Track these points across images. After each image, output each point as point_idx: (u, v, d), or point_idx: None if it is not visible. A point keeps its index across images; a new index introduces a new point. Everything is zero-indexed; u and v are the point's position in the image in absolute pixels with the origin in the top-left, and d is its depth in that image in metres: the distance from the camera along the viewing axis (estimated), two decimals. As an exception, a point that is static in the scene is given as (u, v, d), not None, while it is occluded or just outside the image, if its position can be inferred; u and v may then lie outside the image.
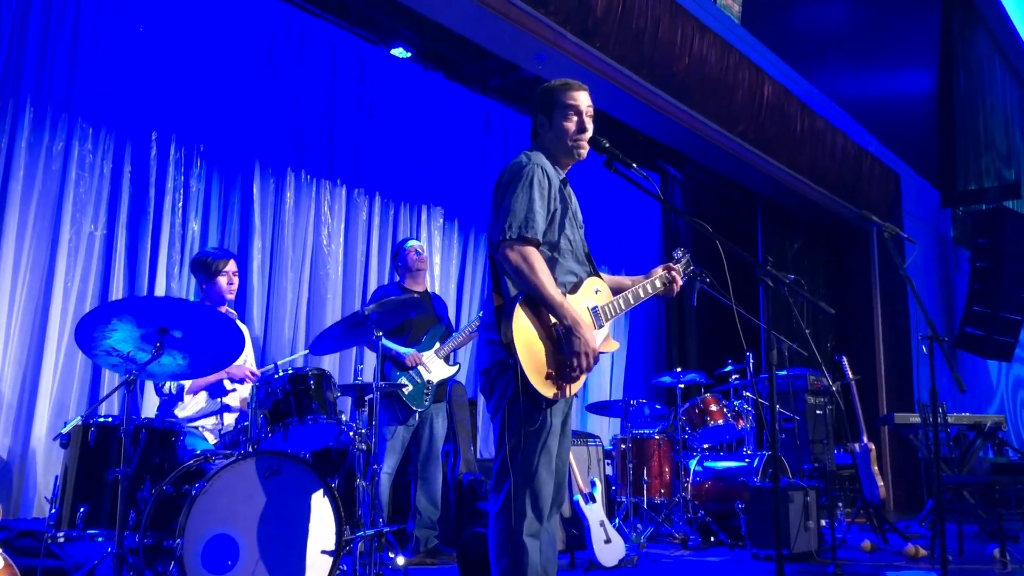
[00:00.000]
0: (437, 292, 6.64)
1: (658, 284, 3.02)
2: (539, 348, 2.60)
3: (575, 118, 2.82)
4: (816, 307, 2.76)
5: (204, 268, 4.22)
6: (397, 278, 5.19)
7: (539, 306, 2.62)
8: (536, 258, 2.61)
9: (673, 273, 3.06)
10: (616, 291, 2.93)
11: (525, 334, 2.58)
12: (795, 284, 2.95)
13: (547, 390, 2.58)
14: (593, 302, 2.79)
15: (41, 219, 4.72)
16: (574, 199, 2.89)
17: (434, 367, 4.95)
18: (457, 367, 5.12)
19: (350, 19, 6.41)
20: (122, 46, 5.12)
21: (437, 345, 5.02)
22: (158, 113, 5.32)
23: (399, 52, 6.76)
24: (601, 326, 2.80)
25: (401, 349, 4.85)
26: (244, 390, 4.24)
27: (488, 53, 6.49)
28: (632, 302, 2.94)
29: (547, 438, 2.61)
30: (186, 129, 5.47)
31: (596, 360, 2.63)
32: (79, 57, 4.93)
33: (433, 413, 5.00)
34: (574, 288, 2.76)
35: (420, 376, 4.89)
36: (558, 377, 2.60)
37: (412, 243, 5.17)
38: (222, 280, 4.18)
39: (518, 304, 2.60)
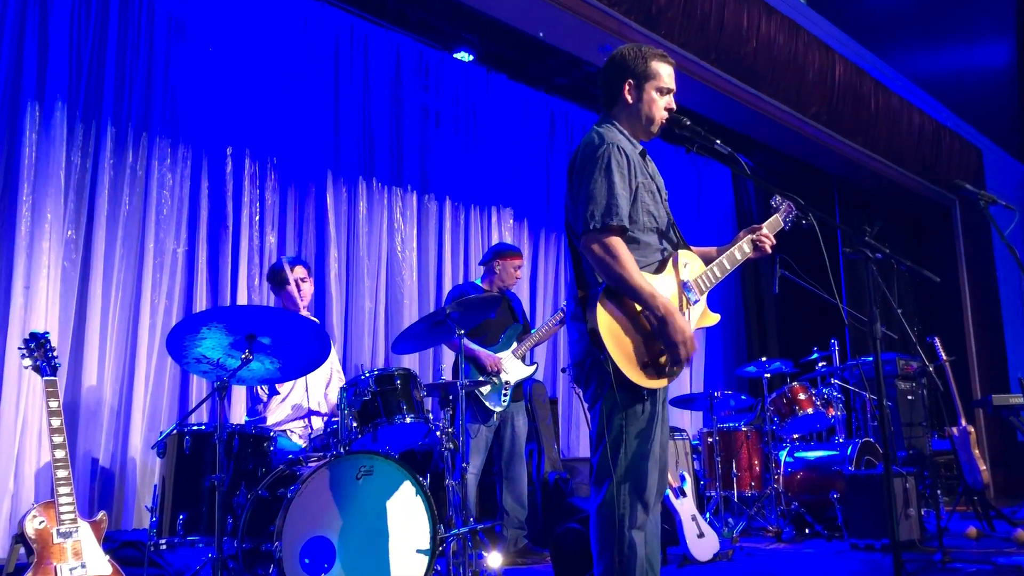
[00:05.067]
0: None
1: (746, 248, 2.87)
2: (628, 337, 2.49)
3: (668, 94, 2.73)
4: (921, 276, 2.64)
5: (274, 278, 4.38)
6: (477, 279, 5.17)
7: (624, 295, 2.54)
8: (620, 248, 2.49)
9: (761, 235, 2.90)
10: (705, 262, 2.80)
11: (611, 324, 2.48)
12: (890, 257, 2.82)
13: (643, 379, 2.48)
14: (684, 276, 2.68)
15: (128, 237, 4.83)
16: (655, 169, 2.76)
17: (511, 367, 4.92)
18: (535, 366, 5.08)
19: (411, 26, 6.43)
20: (192, 67, 5.22)
21: (514, 345, 4.99)
22: (231, 128, 5.40)
23: (462, 56, 6.76)
24: (696, 300, 2.68)
25: (480, 351, 4.82)
26: (333, 395, 4.28)
27: (551, 51, 6.44)
28: (728, 267, 2.80)
29: (647, 426, 2.51)
30: (258, 143, 5.55)
31: (694, 348, 2.52)
32: (154, 79, 5.05)
33: (513, 412, 4.96)
34: (661, 266, 2.63)
35: (498, 376, 4.85)
36: (654, 365, 2.51)
37: (519, 261, 5.12)
38: (291, 287, 4.26)
39: (601, 293, 2.50)
